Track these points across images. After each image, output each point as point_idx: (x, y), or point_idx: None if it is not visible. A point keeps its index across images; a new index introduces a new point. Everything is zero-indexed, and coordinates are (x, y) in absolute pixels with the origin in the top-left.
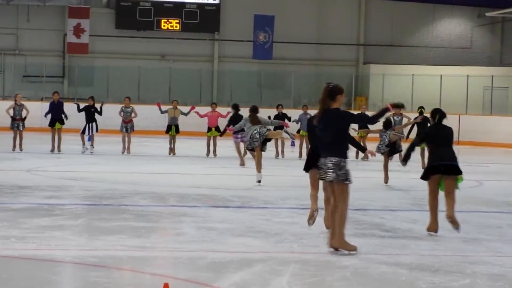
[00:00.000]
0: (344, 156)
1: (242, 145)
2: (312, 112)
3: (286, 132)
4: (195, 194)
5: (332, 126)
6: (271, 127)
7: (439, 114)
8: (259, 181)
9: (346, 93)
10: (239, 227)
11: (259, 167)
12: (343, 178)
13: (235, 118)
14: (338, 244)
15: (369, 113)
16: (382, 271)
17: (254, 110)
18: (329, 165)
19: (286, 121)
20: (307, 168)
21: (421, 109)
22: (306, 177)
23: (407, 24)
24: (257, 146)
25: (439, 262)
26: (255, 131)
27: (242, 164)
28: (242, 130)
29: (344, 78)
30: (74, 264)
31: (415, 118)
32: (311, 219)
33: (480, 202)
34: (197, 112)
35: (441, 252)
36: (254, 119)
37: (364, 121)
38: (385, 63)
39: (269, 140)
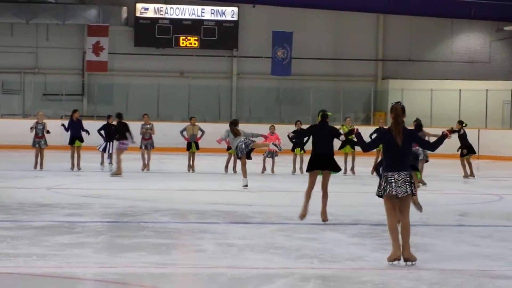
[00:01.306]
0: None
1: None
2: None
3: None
4: (215, 210)
5: (410, 144)
6: (256, 139)
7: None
8: (246, 185)
9: (365, 108)
10: (259, 243)
11: (245, 174)
12: (415, 192)
13: (120, 127)
14: (409, 255)
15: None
16: (402, 287)
17: (233, 123)
18: (404, 179)
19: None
20: (310, 169)
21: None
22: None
23: (426, 39)
24: (242, 156)
25: (460, 277)
26: (240, 143)
27: (117, 173)
28: (126, 137)
29: (362, 94)
30: (95, 282)
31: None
32: (302, 217)
33: (501, 216)
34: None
35: (462, 267)
36: (234, 131)
37: (426, 146)
38: (403, 78)
39: (251, 150)
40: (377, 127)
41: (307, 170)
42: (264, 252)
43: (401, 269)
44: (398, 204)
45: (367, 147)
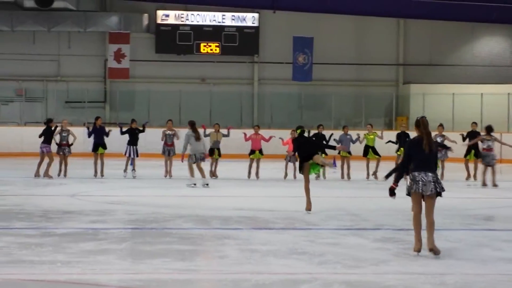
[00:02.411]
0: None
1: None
2: (352, 132)
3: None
4: (238, 216)
5: (436, 151)
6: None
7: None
8: (207, 184)
9: (387, 113)
10: (282, 248)
11: (203, 175)
12: (442, 191)
13: (47, 132)
14: (433, 246)
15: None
16: None
17: (193, 124)
18: (431, 179)
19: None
20: (301, 167)
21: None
22: (343, 197)
23: (447, 43)
24: (198, 163)
25: (483, 281)
26: (200, 153)
27: (38, 175)
28: (49, 142)
29: (384, 99)
30: None
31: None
32: (309, 210)
33: None
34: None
35: (485, 271)
36: (196, 133)
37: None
38: (425, 82)
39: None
40: (399, 132)
41: (300, 169)
42: (287, 257)
43: (425, 273)
44: (424, 201)
45: (406, 166)
